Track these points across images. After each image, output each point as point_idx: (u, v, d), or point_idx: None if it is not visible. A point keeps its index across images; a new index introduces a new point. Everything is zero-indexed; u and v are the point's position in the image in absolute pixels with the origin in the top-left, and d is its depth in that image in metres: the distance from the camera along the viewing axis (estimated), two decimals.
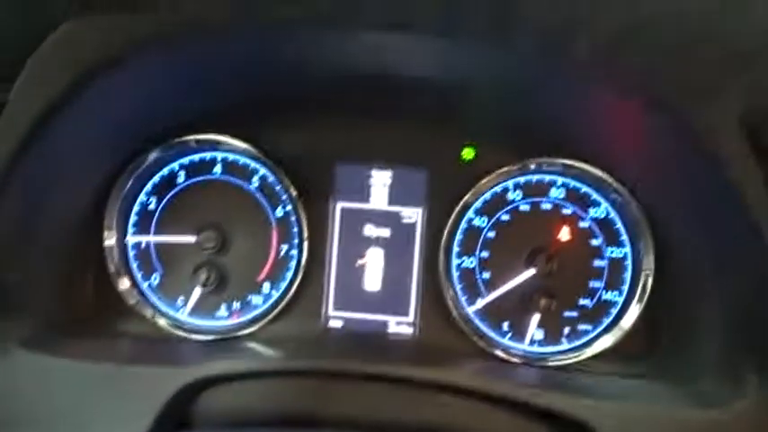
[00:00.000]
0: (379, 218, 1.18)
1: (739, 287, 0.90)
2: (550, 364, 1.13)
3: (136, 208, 1.18)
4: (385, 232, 1.18)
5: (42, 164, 0.92)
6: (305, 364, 1.02)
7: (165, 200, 1.18)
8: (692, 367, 1.00)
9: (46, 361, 0.96)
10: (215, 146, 1.16)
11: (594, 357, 1.12)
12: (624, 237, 1.14)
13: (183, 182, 1.18)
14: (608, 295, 1.14)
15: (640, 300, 1.11)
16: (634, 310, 1.11)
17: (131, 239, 1.17)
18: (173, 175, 1.18)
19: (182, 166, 1.18)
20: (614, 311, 1.13)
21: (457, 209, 1.14)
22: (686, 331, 1.04)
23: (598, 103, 0.91)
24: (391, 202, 1.18)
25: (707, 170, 0.84)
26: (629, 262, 1.13)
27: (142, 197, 1.18)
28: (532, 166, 1.12)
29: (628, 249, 1.13)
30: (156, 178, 1.18)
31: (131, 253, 1.18)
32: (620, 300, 1.13)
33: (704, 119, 0.79)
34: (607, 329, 1.13)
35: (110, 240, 1.15)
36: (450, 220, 1.14)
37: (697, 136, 0.80)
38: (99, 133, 1.02)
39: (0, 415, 0.93)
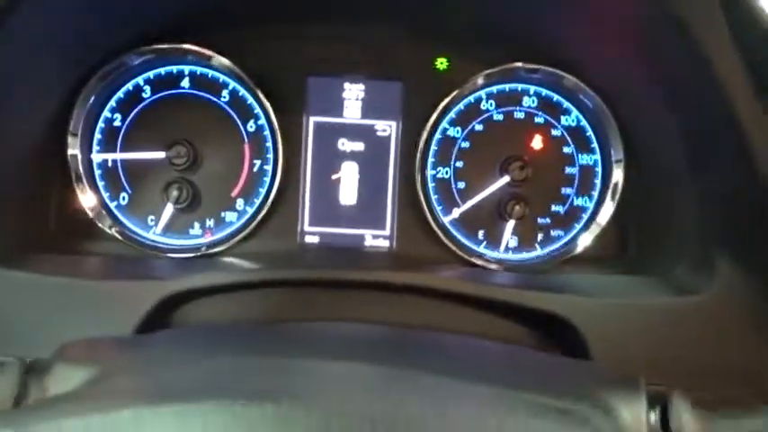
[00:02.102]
0: (353, 131, 1.17)
1: (712, 184, 0.93)
2: (526, 269, 1.15)
3: (100, 125, 1.13)
4: (359, 146, 1.17)
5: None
6: (283, 274, 1.01)
7: (130, 116, 1.14)
8: (665, 262, 1.04)
9: (17, 276, 0.92)
10: (181, 58, 1.12)
11: (568, 261, 1.15)
12: (595, 144, 1.16)
13: (150, 97, 1.14)
14: (579, 201, 1.17)
15: (611, 203, 1.13)
16: (605, 215, 1.14)
17: (97, 157, 1.13)
18: (138, 90, 1.14)
19: (147, 81, 1.13)
20: (585, 216, 1.16)
21: (431, 120, 1.14)
22: (658, 230, 1.08)
23: None
24: (365, 115, 1.17)
25: (683, 64, 0.85)
26: (599, 168, 1.16)
27: (106, 113, 1.13)
28: (506, 68, 1.12)
29: (598, 156, 1.16)
30: (120, 93, 1.13)
31: (97, 172, 1.14)
32: (591, 205, 1.16)
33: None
34: (579, 234, 1.16)
35: (74, 160, 1.11)
36: (425, 132, 1.14)
37: (675, 19, 0.80)
38: (56, 45, 0.97)
39: None
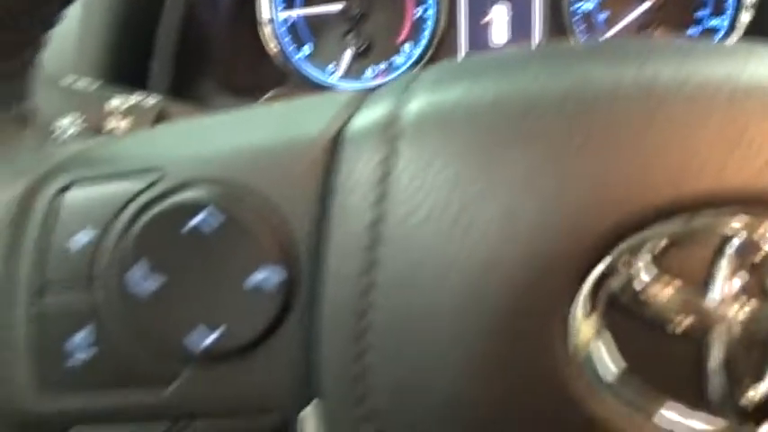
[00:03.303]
0: None
1: None
2: None
3: None
4: None
5: None
6: None
7: None
8: None
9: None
10: None
11: None
12: None
13: None
14: (714, 21, 1.28)
15: (746, 17, 1.25)
16: (739, 31, 1.26)
17: (281, 15, 1.30)
18: None
19: None
20: (721, 34, 1.28)
21: None
22: None
23: None
24: None
25: None
26: None
27: None
28: None
29: None
30: None
31: (282, 29, 1.31)
32: (726, 23, 1.28)
33: None
34: None
35: (262, 18, 1.28)
36: None
37: None
38: None
39: None
